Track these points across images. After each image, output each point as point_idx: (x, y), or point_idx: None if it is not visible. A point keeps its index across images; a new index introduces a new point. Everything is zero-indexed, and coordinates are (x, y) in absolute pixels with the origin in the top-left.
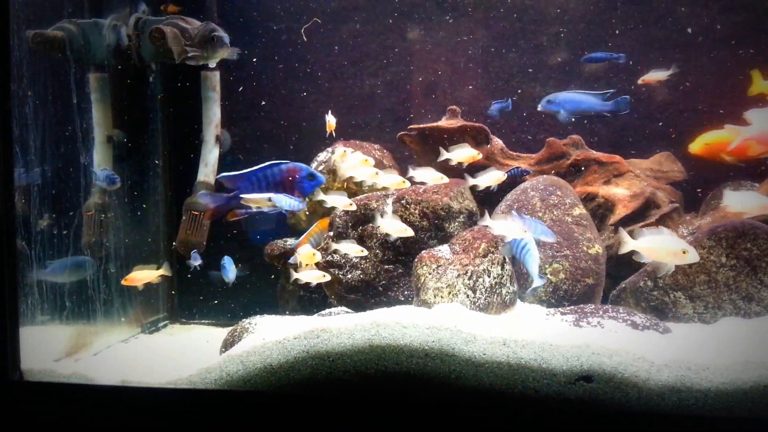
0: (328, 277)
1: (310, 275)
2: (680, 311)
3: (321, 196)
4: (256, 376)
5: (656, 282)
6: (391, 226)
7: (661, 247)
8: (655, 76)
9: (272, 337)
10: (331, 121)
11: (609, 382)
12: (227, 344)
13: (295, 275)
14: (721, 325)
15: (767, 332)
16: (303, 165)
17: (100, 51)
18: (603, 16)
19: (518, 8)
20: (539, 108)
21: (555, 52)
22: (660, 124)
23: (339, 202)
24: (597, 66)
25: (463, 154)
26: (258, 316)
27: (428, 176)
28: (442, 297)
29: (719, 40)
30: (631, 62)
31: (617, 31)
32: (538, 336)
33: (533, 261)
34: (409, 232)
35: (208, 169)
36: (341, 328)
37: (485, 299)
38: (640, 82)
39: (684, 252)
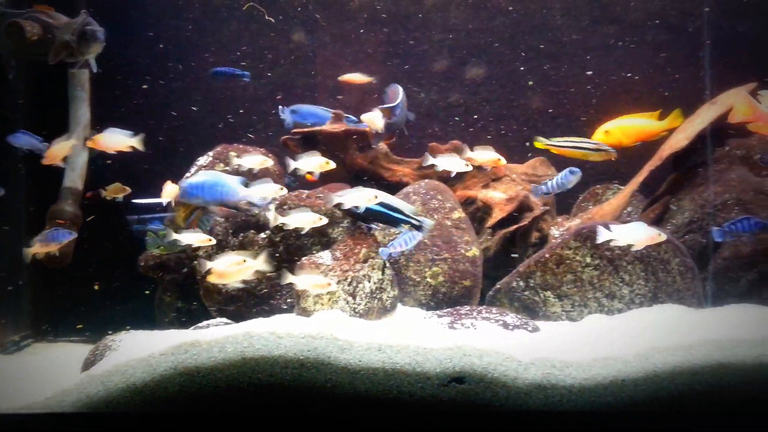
0: (213, 241)
1: (194, 237)
2: (549, 310)
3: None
4: (119, 397)
5: (527, 282)
6: (301, 219)
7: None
8: (355, 78)
9: (137, 354)
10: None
11: (480, 382)
12: (88, 364)
13: (175, 236)
14: (587, 323)
15: (626, 328)
16: None
17: None
18: (484, 24)
19: (403, 15)
20: (282, 116)
21: (438, 58)
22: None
23: None
24: (477, 71)
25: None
26: (124, 332)
27: (253, 161)
28: (322, 304)
29: (590, 49)
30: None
31: (495, 41)
32: (413, 340)
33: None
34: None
35: (75, 174)
36: (212, 342)
37: (365, 305)
38: (340, 79)
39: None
